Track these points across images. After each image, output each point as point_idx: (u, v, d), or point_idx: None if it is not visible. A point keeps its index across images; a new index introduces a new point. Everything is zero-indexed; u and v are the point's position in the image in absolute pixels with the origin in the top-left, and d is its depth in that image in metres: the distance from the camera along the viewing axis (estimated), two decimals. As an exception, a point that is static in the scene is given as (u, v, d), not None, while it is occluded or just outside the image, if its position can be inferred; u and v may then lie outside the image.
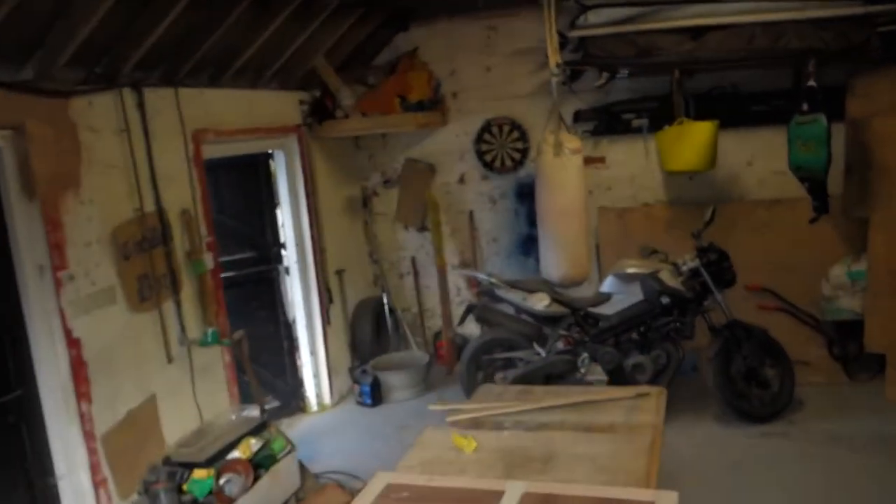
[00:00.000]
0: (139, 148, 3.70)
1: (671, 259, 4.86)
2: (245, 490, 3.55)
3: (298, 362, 5.61)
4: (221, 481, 3.54)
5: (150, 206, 3.75)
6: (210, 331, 3.95)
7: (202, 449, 3.55)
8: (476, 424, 3.12)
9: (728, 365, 4.66)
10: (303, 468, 4.27)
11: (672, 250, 4.95)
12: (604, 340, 4.86)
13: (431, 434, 2.99)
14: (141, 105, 3.70)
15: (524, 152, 5.98)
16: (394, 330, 6.31)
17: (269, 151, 5.32)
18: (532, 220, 5.97)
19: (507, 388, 3.67)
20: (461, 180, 6.21)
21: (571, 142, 5.01)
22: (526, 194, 5.98)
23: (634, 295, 4.81)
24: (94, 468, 3.32)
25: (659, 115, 5.40)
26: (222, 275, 5.06)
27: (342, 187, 6.09)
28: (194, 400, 4.02)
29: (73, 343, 3.22)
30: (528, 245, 6.13)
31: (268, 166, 5.38)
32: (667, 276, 4.71)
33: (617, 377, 4.75)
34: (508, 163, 6.04)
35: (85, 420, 3.27)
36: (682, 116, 5.16)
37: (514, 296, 4.89)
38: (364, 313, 6.14)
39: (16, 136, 3.01)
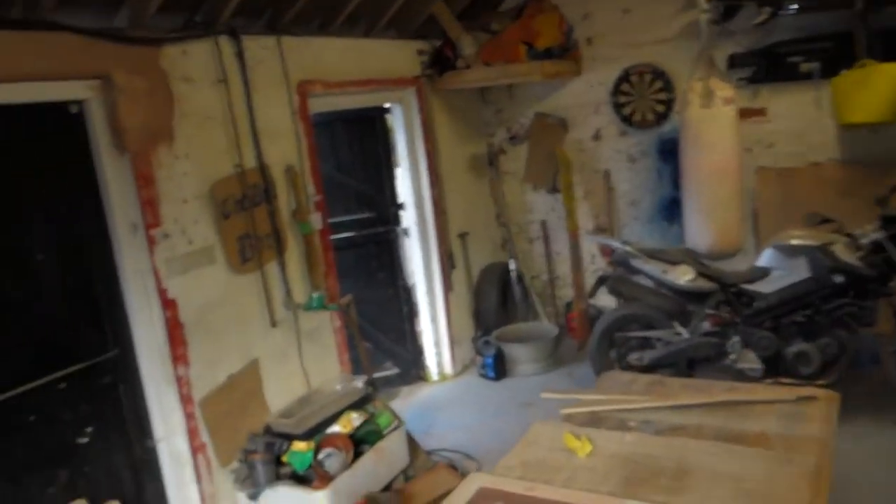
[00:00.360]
0: (238, 100, 3.49)
1: (846, 230, 4.03)
2: (345, 467, 3.31)
3: (418, 329, 5.36)
4: (321, 456, 3.32)
5: (251, 162, 3.56)
6: (315, 295, 3.73)
7: (301, 420, 3.34)
8: (595, 420, 2.64)
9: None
10: (414, 444, 3.98)
11: (847, 219, 4.11)
12: (759, 323, 4.15)
13: (540, 429, 2.57)
14: (240, 54, 3.48)
15: (668, 104, 5.26)
16: (521, 299, 5.89)
17: (386, 106, 5.01)
18: (677, 182, 5.26)
19: (636, 378, 3.13)
20: (596, 136, 5.60)
21: (723, 90, 4.28)
22: (670, 151, 5.28)
23: (799, 271, 4.05)
24: (192, 433, 3.21)
25: (834, 58, 4.52)
26: (340, 235, 4.90)
27: (466, 144, 5.69)
28: (301, 366, 3.85)
29: (168, 303, 3.10)
30: (673, 210, 5.43)
31: (385, 121, 5.08)
32: (841, 250, 3.91)
33: (774, 367, 4.05)
34: (650, 116, 5.35)
35: (182, 383, 3.16)
36: (864, 58, 4.25)
37: (654, 267, 4.28)
38: (489, 280, 5.76)
39: (103, 87, 2.87)
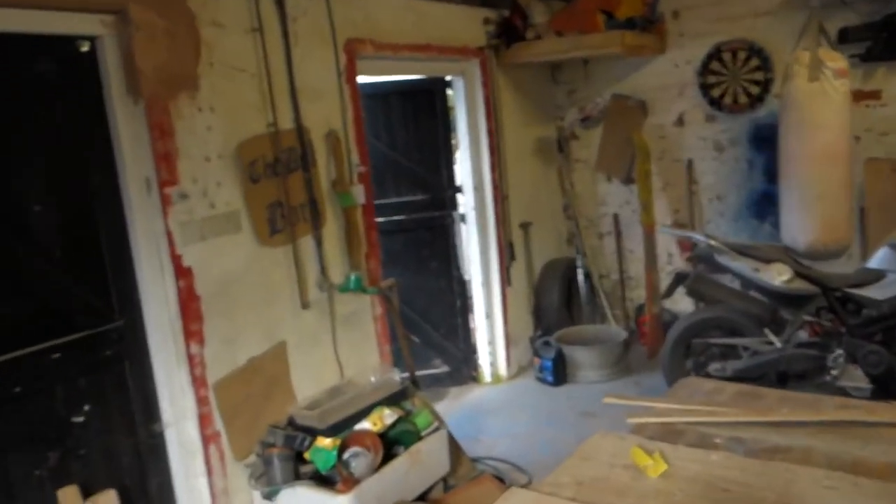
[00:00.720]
0: (276, 53, 3.14)
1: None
2: (372, 470, 2.89)
3: (472, 325, 4.91)
4: (346, 455, 2.91)
5: (287, 123, 3.19)
6: (353, 276, 3.34)
7: (326, 413, 2.94)
8: (670, 434, 2.13)
9: None
10: (457, 449, 3.53)
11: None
12: (869, 335, 3.52)
13: (601, 442, 2.07)
14: (280, 2, 3.13)
15: (765, 85, 4.66)
16: (587, 299, 5.36)
17: (447, 78, 4.59)
18: (771, 174, 4.67)
19: (721, 386, 2.59)
20: (679, 121, 5.03)
21: (835, 60, 3.68)
22: (765, 139, 4.68)
23: None
24: (204, 420, 2.85)
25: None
26: (389, 218, 4.51)
27: (533, 126, 5.21)
28: (335, 354, 3.46)
29: (182, 272, 2.75)
30: (764, 206, 4.82)
31: (445, 96, 4.66)
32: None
33: (885, 387, 3.42)
34: (743, 99, 4.75)
35: (195, 363, 2.80)
36: None
37: (743, 265, 3.71)
38: (552, 276, 5.25)
39: (118, 24, 2.55)
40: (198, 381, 2.82)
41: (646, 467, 1.85)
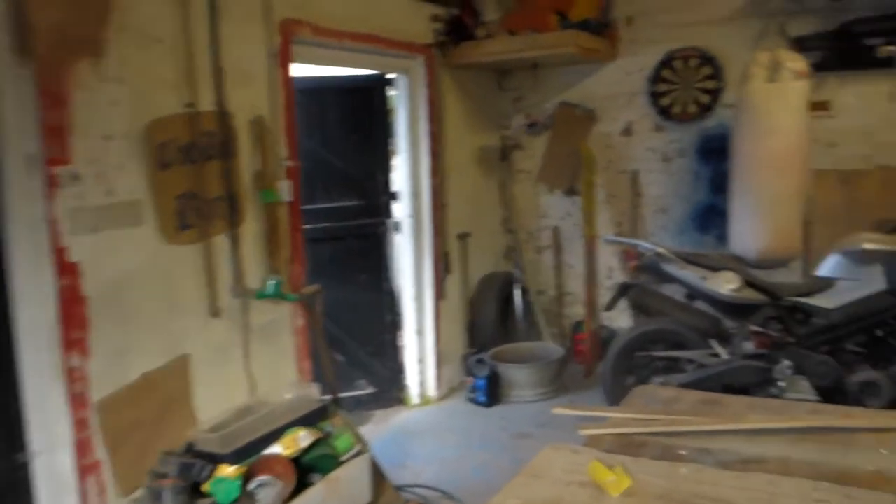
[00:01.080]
0: (200, 25, 2.75)
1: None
2: (281, 502, 2.51)
3: (401, 342, 4.57)
4: (251, 485, 2.52)
5: (207, 105, 2.80)
6: (272, 280, 2.96)
7: (231, 436, 2.55)
8: (629, 446, 1.88)
9: None
10: (381, 476, 3.17)
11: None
12: (816, 345, 3.41)
13: (553, 456, 1.80)
14: (207, -33, 2.75)
15: (715, 94, 4.55)
16: (523, 315, 5.11)
17: (388, 77, 4.27)
18: (718, 186, 4.56)
19: (680, 394, 2.36)
20: (627, 131, 4.87)
21: (794, 61, 3.56)
22: (712, 150, 4.58)
23: (872, 282, 3.34)
24: (82, 447, 2.41)
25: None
26: (318, 224, 4.13)
27: (477, 133, 4.95)
28: (246, 370, 3.06)
29: (66, 268, 2.32)
30: (708, 218, 4.71)
31: (385, 96, 4.34)
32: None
33: (832, 399, 3.30)
34: (692, 108, 4.63)
35: (74, 378, 2.37)
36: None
37: (691, 274, 3.54)
38: (488, 290, 4.98)
39: (5, -31, 2.12)
40: (76, 401, 2.38)
41: (607, 484, 1.58)
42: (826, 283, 3.43)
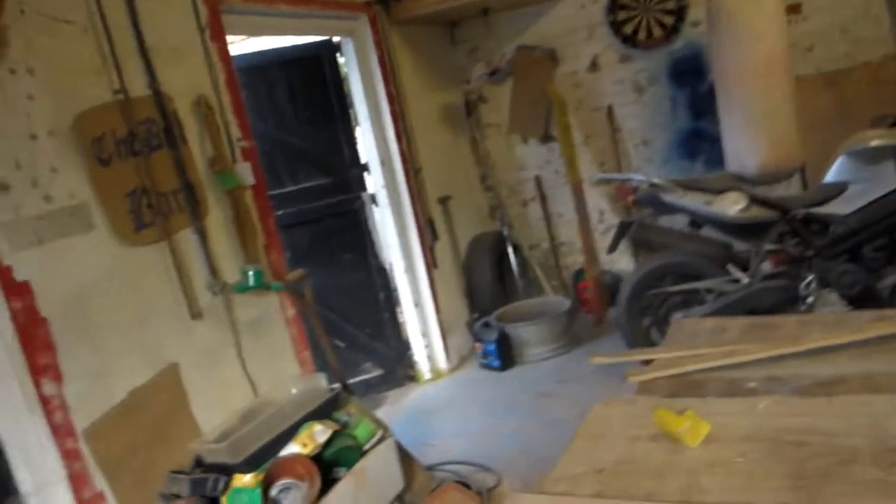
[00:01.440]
0: (114, 1, 2.47)
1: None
2: (309, 503, 2.27)
3: (401, 318, 4.34)
4: (273, 492, 2.28)
5: (140, 90, 2.52)
6: (251, 270, 2.70)
7: (239, 443, 2.30)
8: (688, 387, 1.65)
9: None
10: (409, 460, 2.94)
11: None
12: (837, 255, 3.21)
13: (609, 412, 1.56)
14: (111, -66, 2.46)
15: (679, 13, 4.34)
16: (521, 272, 4.90)
17: (335, 42, 4.01)
18: (697, 110, 4.39)
19: (725, 323, 2.13)
20: (593, 66, 4.65)
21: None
22: (687, 73, 4.38)
23: (884, 181, 3.14)
24: (78, 480, 2.15)
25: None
26: (290, 210, 3.89)
27: (438, 92, 4.71)
28: (243, 370, 2.81)
29: (15, 289, 2.04)
30: (693, 144, 4.52)
31: (336, 63, 4.07)
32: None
33: (863, 306, 3.11)
34: (658, 32, 4.42)
35: (52, 407, 2.10)
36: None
37: (693, 200, 3.32)
38: (480, 252, 4.76)
39: None
40: (60, 431, 2.12)
41: (682, 434, 1.35)
42: (836, 190, 3.23)
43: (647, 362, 1.88)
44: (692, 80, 4.36)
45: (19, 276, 2.06)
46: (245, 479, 2.30)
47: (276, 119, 3.92)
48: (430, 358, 4.33)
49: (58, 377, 2.13)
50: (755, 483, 1.18)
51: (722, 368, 1.68)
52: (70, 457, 2.14)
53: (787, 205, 3.28)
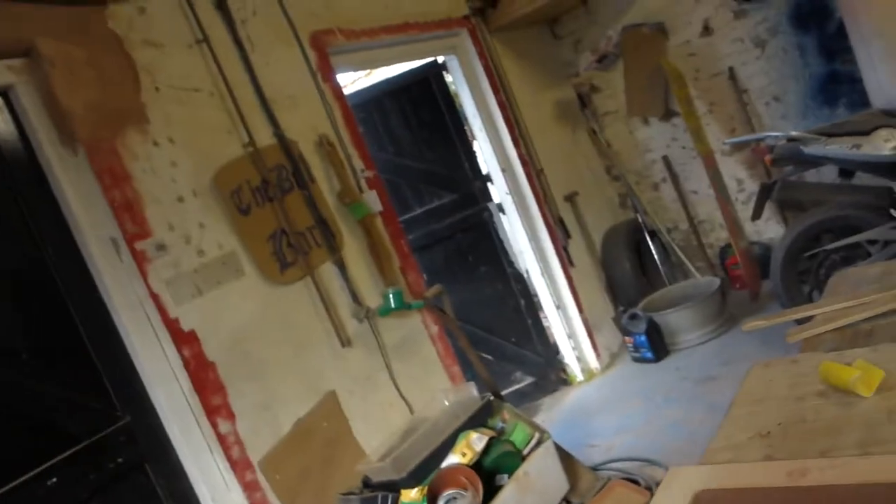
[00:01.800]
0: (232, 63, 2.67)
1: None
2: (477, 512, 2.29)
3: (545, 323, 4.29)
4: (440, 503, 2.32)
5: (266, 139, 2.70)
6: (391, 292, 2.79)
7: (401, 459, 2.37)
8: (856, 339, 1.51)
9: None
10: (571, 461, 2.90)
11: None
12: None
13: (765, 375, 1.45)
14: (221, 4, 2.66)
15: (794, -47, 4.02)
16: (662, 257, 4.71)
17: (440, 61, 4.08)
18: (829, 51, 4.03)
19: (891, 266, 1.92)
20: (706, 30, 4.40)
21: None
22: (811, 15, 4.04)
23: None
24: (261, 509, 2.31)
25: None
26: (421, 232, 3.99)
27: (548, 91, 4.65)
28: (397, 390, 2.89)
29: (183, 338, 2.24)
30: (830, 89, 4.14)
31: (443, 81, 4.14)
32: None
33: None
34: (772, -22, 4.11)
35: (228, 444, 2.27)
36: None
37: (839, 146, 3.04)
38: (615, 244, 4.63)
39: (30, 67, 2.10)
40: (239, 465, 2.28)
41: (853, 383, 1.23)
42: None
43: (806, 322, 1.74)
44: (818, 20, 4.01)
45: (186, 326, 2.25)
46: (412, 494, 2.36)
47: (395, 146, 4.05)
48: (580, 359, 4.25)
49: (230, 416, 2.30)
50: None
51: (894, 313, 1.52)
52: (251, 488, 2.30)
53: (952, 135, 2.93)
